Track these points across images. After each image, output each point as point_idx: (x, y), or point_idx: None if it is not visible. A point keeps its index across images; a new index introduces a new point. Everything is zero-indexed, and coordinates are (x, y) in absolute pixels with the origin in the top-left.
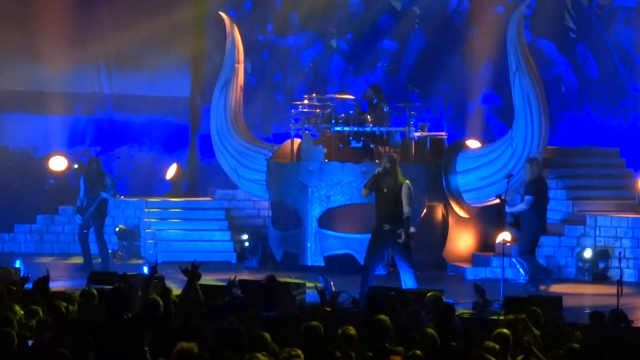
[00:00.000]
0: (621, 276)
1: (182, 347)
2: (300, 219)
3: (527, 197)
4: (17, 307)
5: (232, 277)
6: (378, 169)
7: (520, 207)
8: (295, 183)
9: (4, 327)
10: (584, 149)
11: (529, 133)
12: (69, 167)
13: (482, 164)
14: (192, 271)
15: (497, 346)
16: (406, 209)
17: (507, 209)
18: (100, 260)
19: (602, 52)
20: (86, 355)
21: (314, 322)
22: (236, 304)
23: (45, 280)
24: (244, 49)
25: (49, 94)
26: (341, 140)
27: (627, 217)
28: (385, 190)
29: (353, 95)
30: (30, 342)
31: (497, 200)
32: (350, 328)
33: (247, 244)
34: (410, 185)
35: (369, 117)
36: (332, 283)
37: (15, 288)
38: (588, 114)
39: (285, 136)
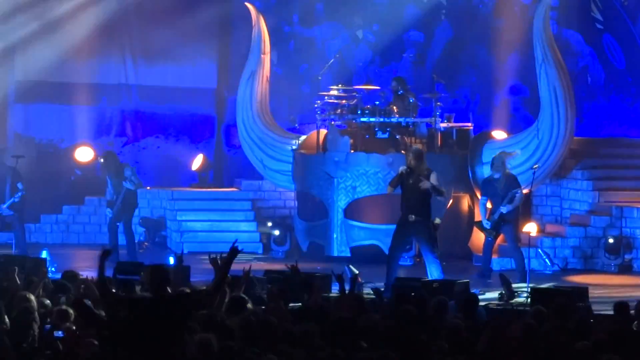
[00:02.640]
0: None
1: (201, 338)
2: (326, 210)
3: (517, 191)
4: (34, 298)
5: (247, 267)
6: (403, 168)
7: (517, 200)
8: (321, 174)
9: (27, 317)
10: (610, 139)
11: (555, 124)
12: (95, 158)
13: (508, 152)
14: (230, 257)
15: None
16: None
17: (504, 209)
18: (126, 251)
19: (628, 42)
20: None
21: (342, 313)
22: (261, 296)
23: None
24: (269, 39)
25: (75, 84)
26: (367, 131)
27: None
28: (410, 182)
29: (379, 86)
30: (60, 333)
31: (526, 191)
32: (374, 317)
33: (277, 232)
34: (436, 174)
35: (394, 107)
36: (357, 273)
37: (37, 279)
38: (614, 105)
39: (311, 127)
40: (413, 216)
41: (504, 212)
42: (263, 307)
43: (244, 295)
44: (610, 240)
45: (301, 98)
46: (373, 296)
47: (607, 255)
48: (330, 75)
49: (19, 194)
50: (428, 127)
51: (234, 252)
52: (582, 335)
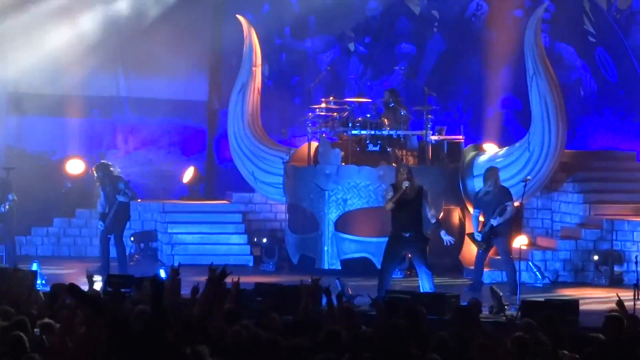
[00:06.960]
0: (638, 280)
1: (193, 349)
2: (317, 222)
3: (508, 204)
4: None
5: (236, 279)
6: (406, 185)
7: (508, 213)
8: (312, 186)
9: (18, 331)
10: (601, 152)
11: (546, 136)
12: (86, 171)
13: (499, 167)
14: (220, 276)
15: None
16: (433, 211)
17: (494, 221)
18: (117, 263)
19: (621, 56)
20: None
21: (335, 326)
22: (255, 308)
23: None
24: (261, 52)
25: (67, 97)
26: (358, 144)
27: None
28: (406, 199)
29: (370, 99)
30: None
31: (517, 204)
32: (368, 331)
33: (265, 239)
34: (427, 189)
35: (385, 120)
36: (348, 287)
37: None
38: (607, 118)
39: (302, 139)
40: (408, 232)
41: (494, 224)
42: (254, 321)
43: (236, 309)
44: (595, 257)
45: (292, 110)
46: (362, 309)
47: (597, 268)
48: (321, 88)
49: (7, 203)
50: (419, 140)
51: (223, 273)
52: (573, 348)
